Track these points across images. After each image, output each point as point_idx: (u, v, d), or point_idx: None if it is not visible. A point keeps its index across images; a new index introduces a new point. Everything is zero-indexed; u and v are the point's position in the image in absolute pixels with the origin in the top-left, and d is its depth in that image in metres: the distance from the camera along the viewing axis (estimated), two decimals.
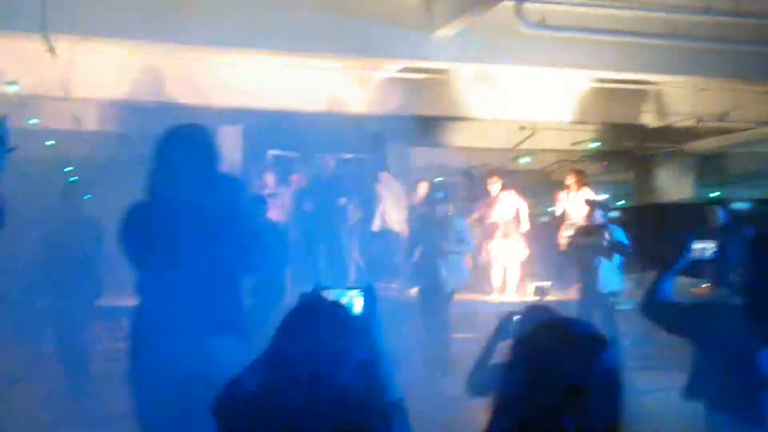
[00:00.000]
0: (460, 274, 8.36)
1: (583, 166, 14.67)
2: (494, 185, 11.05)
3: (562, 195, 10.76)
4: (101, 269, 7.21)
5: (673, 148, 14.75)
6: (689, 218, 13.59)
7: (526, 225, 11.01)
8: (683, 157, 15.35)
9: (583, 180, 10.67)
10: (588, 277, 8.25)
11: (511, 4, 8.86)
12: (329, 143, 12.38)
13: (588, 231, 8.34)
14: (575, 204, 10.39)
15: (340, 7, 9.14)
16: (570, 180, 10.75)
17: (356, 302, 2.44)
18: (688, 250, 3.09)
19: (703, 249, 3.19)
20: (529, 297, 9.41)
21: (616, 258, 8.25)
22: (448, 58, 10.01)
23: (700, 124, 12.86)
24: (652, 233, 10.48)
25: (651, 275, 9.46)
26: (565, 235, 10.52)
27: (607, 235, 8.14)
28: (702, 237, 3.24)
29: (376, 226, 11.45)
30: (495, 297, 10.55)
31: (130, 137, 10.09)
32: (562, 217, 10.90)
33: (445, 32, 9.49)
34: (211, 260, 2.98)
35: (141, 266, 3.06)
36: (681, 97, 12.95)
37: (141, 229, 3.04)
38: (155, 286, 3.03)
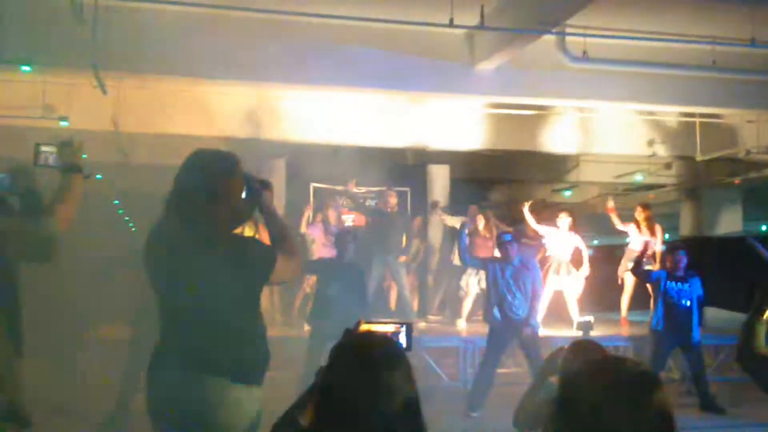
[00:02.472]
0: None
1: (626, 200, 14.56)
2: (563, 220, 10.54)
3: (631, 228, 10.57)
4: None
5: (722, 180, 14.55)
6: (741, 252, 13.38)
7: (586, 268, 10.46)
8: (731, 189, 15.12)
9: (651, 214, 10.55)
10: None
11: (552, 37, 8.86)
12: (372, 175, 12.46)
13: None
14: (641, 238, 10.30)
15: (383, 42, 9.23)
16: (639, 214, 10.57)
17: (399, 336, 2.46)
18: None
19: None
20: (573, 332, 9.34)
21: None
22: (490, 92, 10.03)
23: (749, 156, 12.67)
24: (704, 267, 10.30)
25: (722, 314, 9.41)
26: (629, 266, 10.38)
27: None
28: None
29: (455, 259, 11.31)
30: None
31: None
32: (622, 249, 10.75)
33: (487, 66, 9.53)
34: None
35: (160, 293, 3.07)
36: (729, 130, 12.79)
37: (159, 252, 3.06)
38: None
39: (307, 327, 7.84)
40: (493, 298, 7.72)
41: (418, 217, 11.90)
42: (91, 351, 8.09)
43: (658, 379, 1.89)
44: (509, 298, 7.64)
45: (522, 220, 11.39)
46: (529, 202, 10.90)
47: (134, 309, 6.87)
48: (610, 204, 10.65)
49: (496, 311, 7.66)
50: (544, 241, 10.48)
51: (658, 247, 10.32)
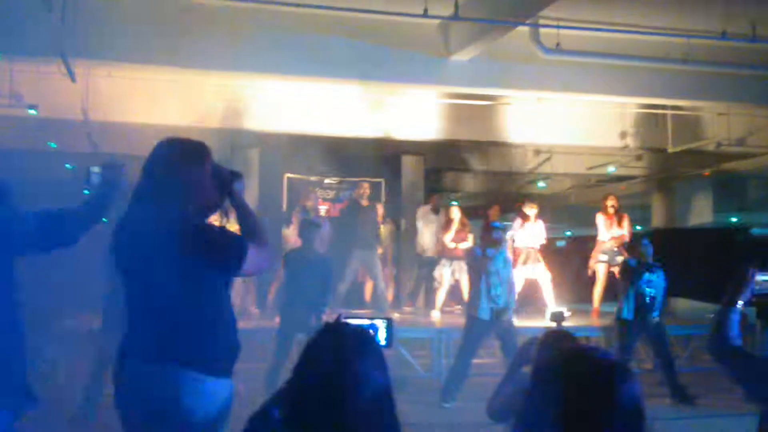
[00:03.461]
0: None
1: (599, 191, 14.66)
2: (531, 210, 10.74)
3: (599, 219, 10.65)
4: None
5: (692, 172, 14.68)
6: (712, 243, 13.54)
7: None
8: (702, 181, 15.27)
9: (618, 205, 10.64)
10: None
11: (526, 29, 8.88)
12: (346, 167, 12.44)
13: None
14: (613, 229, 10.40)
15: (358, 34, 9.20)
16: (607, 203, 10.66)
17: (379, 330, 2.48)
18: (751, 281, 2.94)
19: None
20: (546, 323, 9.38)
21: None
22: (464, 84, 10.03)
23: (719, 148, 12.80)
24: (675, 258, 10.40)
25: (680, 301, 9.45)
26: (600, 258, 10.48)
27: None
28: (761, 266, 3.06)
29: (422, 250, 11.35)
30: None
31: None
32: (594, 241, 10.81)
33: (461, 57, 9.53)
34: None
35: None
36: (700, 122, 12.91)
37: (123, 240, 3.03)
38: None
39: (278, 318, 7.82)
40: (483, 289, 7.69)
41: (380, 203, 11.87)
42: (60, 342, 8.02)
43: (628, 369, 1.91)
44: (494, 288, 7.66)
45: (488, 213, 11.51)
46: (497, 206, 11.01)
47: (101, 299, 6.85)
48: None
49: (484, 302, 7.64)
50: (511, 232, 10.58)
51: (626, 236, 10.45)
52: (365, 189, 11.02)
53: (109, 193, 3.48)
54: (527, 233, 10.57)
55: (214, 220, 3.16)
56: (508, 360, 7.53)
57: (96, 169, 3.49)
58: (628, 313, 8.17)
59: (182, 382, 2.82)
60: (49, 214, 3.37)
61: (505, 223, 10.37)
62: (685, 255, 11.99)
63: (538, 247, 10.60)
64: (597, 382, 1.85)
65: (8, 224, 3.26)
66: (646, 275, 8.17)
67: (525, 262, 10.39)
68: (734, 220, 19.62)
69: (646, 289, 8.16)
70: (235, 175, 3.17)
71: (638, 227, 18.38)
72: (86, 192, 3.55)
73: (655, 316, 8.21)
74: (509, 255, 8.19)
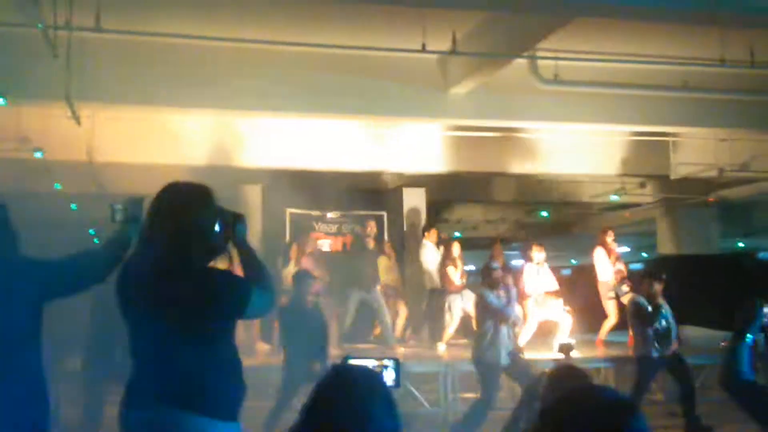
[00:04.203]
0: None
1: (603, 219, 14.66)
2: (538, 253, 10.56)
3: (599, 253, 10.57)
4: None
5: (696, 198, 14.68)
6: (719, 269, 13.52)
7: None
8: (706, 207, 15.27)
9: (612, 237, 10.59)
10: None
11: (524, 61, 8.94)
12: (348, 201, 12.47)
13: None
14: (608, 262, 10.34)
15: (357, 70, 9.28)
16: (608, 237, 10.60)
17: (386, 372, 2.48)
18: (759, 313, 2.94)
19: None
20: (554, 354, 9.35)
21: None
22: (464, 116, 10.10)
23: (723, 174, 12.80)
24: (682, 286, 10.36)
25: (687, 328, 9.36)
26: (609, 296, 10.36)
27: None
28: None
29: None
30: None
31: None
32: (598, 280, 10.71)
33: (460, 90, 9.59)
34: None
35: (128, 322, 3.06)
36: (702, 148, 12.93)
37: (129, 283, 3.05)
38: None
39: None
40: (496, 328, 7.70)
41: (388, 242, 11.87)
42: (62, 383, 8.01)
43: (635, 407, 1.91)
44: (509, 330, 7.70)
45: (492, 252, 11.45)
46: (499, 243, 10.97)
47: (85, 340, 6.90)
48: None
49: (501, 347, 7.66)
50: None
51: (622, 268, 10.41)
52: (372, 228, 11.02)
53: (133, 229, 3.49)
54: (537, 278, 10.47)
55: (220, 263, 3.18)
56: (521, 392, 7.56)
57: (119, 206, 3.53)
58: (653, 352, 8.10)
59: (190, 427, 2.83)
60: (77, 256, 3.40)
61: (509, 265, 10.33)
62: (692, 282, 11.96)
63: (551, 290, 10.42)
64: (604, 421, 1.83)
65: (33, 272, 3.28)
66: (661, 311, 8.15)
67: (540, 304, 10.29)
68: (741, 245, 19.57)
69: (661, 322, 8.13)
70: (238, 218, 3.19)
71: (644, 254, 18.36)
72: (92, 232, 3.60)
73: (675, 345, 8.17)
74: (513, 293, 8.16)
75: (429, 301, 11.34)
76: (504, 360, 7.61)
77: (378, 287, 10.74)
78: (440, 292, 10.89)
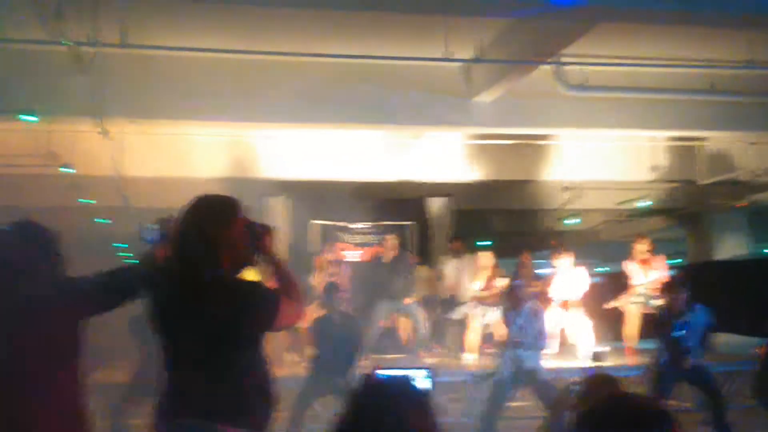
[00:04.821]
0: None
1: (632, 225, 14.54)
2: (563, 260, 10.42)
3: (630, 265, 10.40)
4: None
5: (726, 203, 14.52)
6: (750, 275, 13.33)
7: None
8: (736, 212, 15.09)
9: (651, 246, 10.39)
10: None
11: (549, 67, 8.91)
12: (373, 211, 12.48)
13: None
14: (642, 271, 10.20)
15: (380, 80, 9.30)
16: (638, 247, 10.30)
17: (420, 381, 2.44)
18: None
19: None
20: (587, 362, 9.26)
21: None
22: (489, 124, 10.06)
23: (753, 178, 12.66)
24: (712, 292, 10.22)
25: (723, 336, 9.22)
26: (632, 300, 10.24)
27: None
28: None
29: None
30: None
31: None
32: (625, 281, 10.56)
33: (484, 98, 9.57)
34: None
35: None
36: (731, 152, 12.81)
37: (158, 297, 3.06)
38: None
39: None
40: (505, 348, 7.75)
41: (411, 254, 11.82)
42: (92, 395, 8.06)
43: (669, 414, 1.90)
44: (521, 348, 7.67)
45: (520, 262, 11.37)
46: (527, 252, 10.93)
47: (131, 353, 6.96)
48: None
49: (506, 365, 7.67)
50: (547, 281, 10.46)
51: (663, 276, 10.19)
52: (390, 242, 10.95)
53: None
54: (564, 284, 10.37)
55: (250, 274, 3.19)
56: (545, 404, 7.53)
57: (150, 226, 3.55)
58: (661, 362, 8.04)
59: None
60: (115, 272, 3.42)
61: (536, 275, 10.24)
62: (723, 288, 11.80)
63: (576, 297, 10.28)
64: (639, 428, 1.85)
65: (72, 289, 3.30)
66: (678, 323, 8.03)
67: (564, 311, 10.21)
68: None
69: (677, 333, 8.01)
70: (266, 229, 3.20)
71: (673, 261, 18.18)
72: (120, 246, 3.62)
73: (689, 359, 8.00)
74: (537, 306, 8.13)
75: (447, 311, 11.26)
76: (510, 377, 7.62)
77: (414, 297, 10.69)
78: (459, 302, 10.84)
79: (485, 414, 7.73)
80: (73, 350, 3.26)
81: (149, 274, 3.44)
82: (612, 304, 10.41)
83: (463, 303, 10.71)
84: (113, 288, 3.38)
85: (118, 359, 8.05)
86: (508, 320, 7.80)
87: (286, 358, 10.07)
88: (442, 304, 11.33)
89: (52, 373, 3.14)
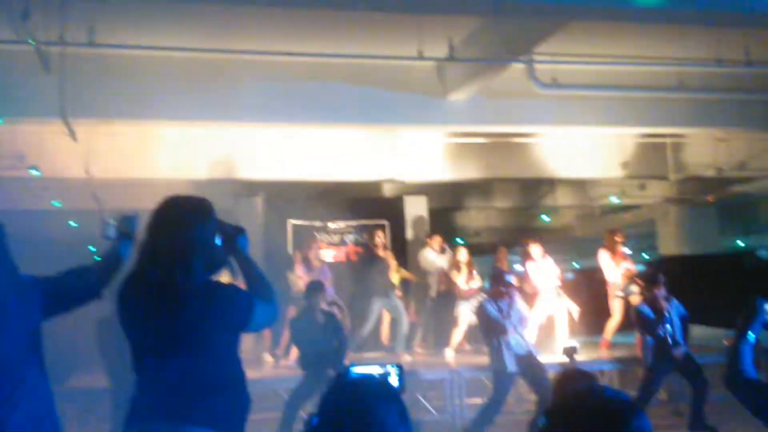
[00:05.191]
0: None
1: (604, 222, 14.67)
2: (534, 250, 10.47)
3: (604, 255, 10.50)
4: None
5: (696, 198, 14.70)
6: (721, 268, 13.53)
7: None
8: (706, 207, 15.28)
9: (621, 239, 10.51)
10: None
11: (522, 66, 8.95)
12: (350, 210, 12.46)
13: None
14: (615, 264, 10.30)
15: (355, 79, 9.28)
16: (616, 238, 10.40)
17: (390, 378, 2.45)
18: (761, 311, 2.93)
19: None
20: (557, 357, 9.30)
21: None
22: (463, 122, 10.09)
23: (721, 173, 12.83)
24: (684, 285, 10.30)
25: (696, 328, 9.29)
26: (617, 294, 10.31)
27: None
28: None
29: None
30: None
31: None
32: (600, 276, 10.65)
33: (458, 96, 9.60)
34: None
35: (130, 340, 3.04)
36: (701, 149, 12.95)
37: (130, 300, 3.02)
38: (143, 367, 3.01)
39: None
40: (503, 343, 7.68)
41: (389, 251, 11.87)
42: (69, 401, 8.01)
43: (637, 407, 1.93)
44: (513, 339, 7.68)
45: (496, 257, 11.44)
46: (503, 247, 10.94)
47: (109, 358, 6.88)
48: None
49: (506, 355, 7.63)
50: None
51: (631, 267, 10.34)
52: (381, 238, 11.02)
53: (126, 245, 3.50)
54: (538, 273, 10.46)
55: (223, 276, 3.17)
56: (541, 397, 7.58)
57: (112, 221, 3.55)
58: (652, 359, 8.09)
59: None
60: (71, 273, 3.38)
61: (514, 269, 10.30)
62: (694, 281, 11.94)
63: (553, 285, 10.34)
64: (605, 423, 1.87)
65: (29, 290, 3.24)
66: (661, 320, 8.11)
67: (544, 300, 10.27)
68: (741, 244, 19.58)
69: (663, 329, 8.09)
70: (239, 231, 3.18)
71: (645, 255, 18.36)
72: (92, 248, 3.58)
73: (680, 348, 8.11)
74: (519, 300, 8.17)
75: (432, 308, 11.31)
76: (512, 368, 7.59)
77: (397, 293, 10.75)
78: (446, 299, 10.86)
79: (487, 407, 7.72)
80: (35, 351, 3.20)
81: (110, 275, 3.42)
82: (617, 295, 10.44)
83: (448, 299, 10.75)
84: (70, 289, 3.34)
85: (94, 364, 7.95)
86: (489, 311, 7.78)
87: (266, 360, 10.04)
88: (435, 301, 11.33)
89: (14, 375, 3.09)
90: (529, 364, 7.71)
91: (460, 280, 10.63)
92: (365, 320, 10.51)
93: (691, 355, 8.21)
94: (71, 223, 13.14)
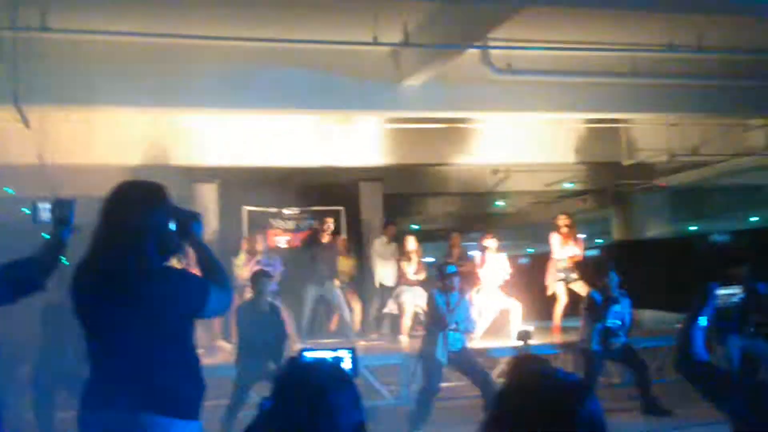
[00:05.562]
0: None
1: (558, 207, 14.82)
2: (491, 242, 10.62)
3: (554, 237, 10.67)
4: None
5: (648, 184, 14.89)
6: (673, 253, 13.75)
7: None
8: (658, 192, 15.49)
9: (572, 223, 10.70)
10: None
11: (477, 51, 8.98)
12: (305, 196, 12.43)
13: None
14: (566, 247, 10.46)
15: (308, 64, 9.22)
16: (560, 222, 10.70)
17: (344, 360, 2.47)
18: (712, 296, 2.98)
19: (729, 295, 3.00)
20: (511, 342, 9.41)
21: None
22: (418, 108, 10.09)
23: (673, 158, 13.00)
24: (637, 270, 10.49)
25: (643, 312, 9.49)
26: (557, 276, 10.47)
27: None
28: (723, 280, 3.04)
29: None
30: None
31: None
32: (550, 259, 10.81)
33: (413, 82, 9.59)
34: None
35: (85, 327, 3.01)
36: (653, 134, 13.12)
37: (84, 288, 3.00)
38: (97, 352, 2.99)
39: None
40: (438, 331, 7.74)
41: (343, 237, 11.87)
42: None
43: (588, 389, 1.93)
44: (451, 335, 7.72)
45: (450, 243, 11.52)
46: (457, 234, 11.00)
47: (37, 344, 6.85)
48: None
49: (440, 347, 7.67)
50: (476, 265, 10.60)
51: (580, 255, 10.53)
52: (328, 224, 10.97)
53: (63, 232, 3.43)
54: (490, 267, 10.53)
55: (175, 262, 3.14)
56: (477, 383, 7.66)
57: (44, 204, 3.48)
58: (595, 345, 8.24)
59: (149, 427, 2.80)
60: (13, 265, 3.32)
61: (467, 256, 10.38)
62: (647, 266, 12.14)
63: (502, 282, 10.49)
64: (556, 404, 1.86)
65: None
66: (613, 308, 8.26)
67: (492, 294, 10.36)
68: (693, 228, 19.93)
69: (612, 320, 8.24)
70: (194, 216, 3.16)
71: (599, 240, 18.59)
72: (46, 235, 3.50)
73: (621, 341, 8.28)
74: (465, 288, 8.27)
75: (382, 296, 11.34)
76: (443, 358, 7.66)
77: (336, 282, 10.72)
78: (394, 288, 10.92)
79: (420, 396, 7.80)
80: None
81: (51, 264, 3.37)
82: (548, 283, 10.60)
83: (397, 289, 10.78)
84: (11, 281, 3.27)
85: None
86: (437, 302, 7.85)
87: (220, 347, 10.00)
88: (380, 293, 11.36)
89: None
90: (463, 359, 7.80)
91: (409, 269, 10.67)
92: (302, 309, 10.50)
93: (631, 345, 8.39)
94: (24, 210, 12.90)
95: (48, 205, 3.47)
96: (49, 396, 6.79)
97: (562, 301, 10.50)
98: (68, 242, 3.46)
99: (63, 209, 3.46)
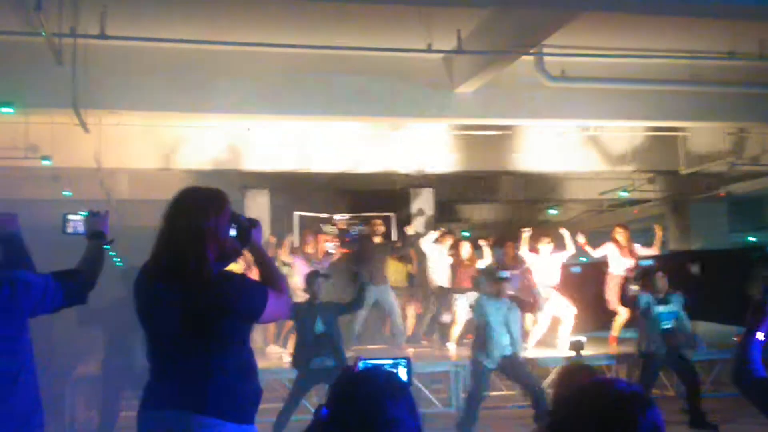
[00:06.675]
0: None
1: (612, 216, 14.62)
2: (545, 247, 10.53)
3: (610, 249, 10.53)
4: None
5: (706, 193, 14.61)
6: (729, 264, 13.40)
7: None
8: (716, 202, 15.20)
9: (629, 235, 10.55)
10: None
11: (530, 58, 8.91)
12: (356, 202, 12.47)
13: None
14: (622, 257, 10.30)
15: (363, 71, 9.25)
16: (617, 234, 10.54)
17: (400, 371, 2.47)
18: (767, 311, 2.90)
19: None
20: (563, 352, 9.31)
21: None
22: (471, 115, 10.05)
23: (733, 168, 12.74)
24: (693, 281, 10.28)
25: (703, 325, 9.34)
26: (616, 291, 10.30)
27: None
28: None
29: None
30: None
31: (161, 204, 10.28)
32: (607, 269, 10.66)
33: (466, 89, 9.55)
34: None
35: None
36: (712, 142, 12.86)
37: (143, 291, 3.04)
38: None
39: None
40: (490, 338, 7.73)
41: (398, 242, 11.86)
42: (77, 388, 8.13)
43: (649, 399, 1.90)
44: (501, 336, 7.70)
45: (503, 244, 11.41)
46: (528, 229, 10.88)
47: (104, 345, 6.97)
48: (581, 240, 10.53)
49: (492, 350, 7.66)
50: (527, 266, 10.50)
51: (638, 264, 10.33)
52: (378, 226, 11.00)
53: (98, 244, 3.49)
54: (543, 270, 10.43)
55: (236, 267, 3.17)
56: (526, 390, 7.61)
57: (74, 216, 3.52)
58: (647, 347, 8.16)
59: (205, 429, 2.83)
60: (67, 273, 3.34)
61: (512, 272, 10.31)
62: (703, 277, 11.88)
63: (553, 284, 10.39)
64: (618, 414, 1.85)
65: (26, 289, 3.23)
66: (657, 308, 8.15)
67: (546, 300, 10.27)
68: (751, 239, 19.48)
69: (662, 321, 8.14)
70: (253, 223, 3.19)
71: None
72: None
73: (680, 346, 8.17)
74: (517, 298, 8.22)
75: (436, 302, 11.29)
76: (491, 364, 7.66)
77: (389, 286, 10.73)
78: (448, 292, 10.86)
79: (466, 401, 7.78)
80: (23, 346, 3.20)
81: (93, 278, 3.41)
82: (608, 295, 10.43)
83: (455, 295, 10.72)
84: (59, 293, 3.27)
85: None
86: (486, 308, 7.80)
87: (271, 351, 10.07)
88: (436, 296, 11.31)
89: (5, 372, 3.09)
90: (513, 366, 7.76)
91: (463, 275, 10.61)
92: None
93: (683, 353, 8.26)
94: (82, 213, 13.19)
95: (78, 218, 3.52)
96: (116, 395, 6.92)
97: (622, 315, 10.34)
98: (104, 255, 3.52)
99: (96, 223, 3.53)
